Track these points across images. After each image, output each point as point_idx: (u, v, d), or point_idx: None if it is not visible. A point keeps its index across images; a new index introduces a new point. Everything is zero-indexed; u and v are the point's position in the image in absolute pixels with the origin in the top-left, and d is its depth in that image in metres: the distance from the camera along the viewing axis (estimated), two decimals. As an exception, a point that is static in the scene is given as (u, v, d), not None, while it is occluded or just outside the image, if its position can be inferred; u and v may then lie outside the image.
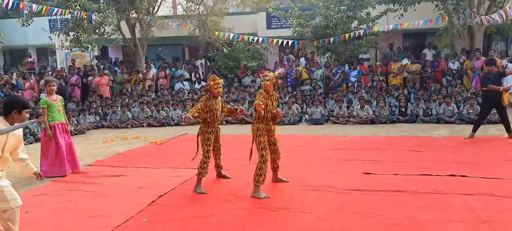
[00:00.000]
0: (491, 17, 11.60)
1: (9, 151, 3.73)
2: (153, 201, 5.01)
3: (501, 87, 7.69)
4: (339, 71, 13.36)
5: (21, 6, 12.64)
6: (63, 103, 6.79)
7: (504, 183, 5.14)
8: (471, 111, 9.96)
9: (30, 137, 9.91)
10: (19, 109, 3.73)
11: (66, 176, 6.42)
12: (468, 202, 4.56)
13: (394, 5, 13.55)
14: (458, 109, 10.41)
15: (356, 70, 13.29)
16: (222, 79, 5.60)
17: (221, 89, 5.56)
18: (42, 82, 12.01)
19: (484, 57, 11.72)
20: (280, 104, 11.91)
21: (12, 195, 3.56)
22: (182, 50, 19.76)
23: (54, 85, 6.60)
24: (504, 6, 12.24)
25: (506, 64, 12.02)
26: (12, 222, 3.57)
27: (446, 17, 12.83)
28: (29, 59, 19.26)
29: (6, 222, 3.57)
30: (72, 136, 7.43)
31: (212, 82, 5.46)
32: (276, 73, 14.20)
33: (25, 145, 9.60)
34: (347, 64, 13.66)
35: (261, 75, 5.37)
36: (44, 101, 6.51)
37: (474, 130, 8.07)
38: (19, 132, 3.82)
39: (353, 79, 13.18)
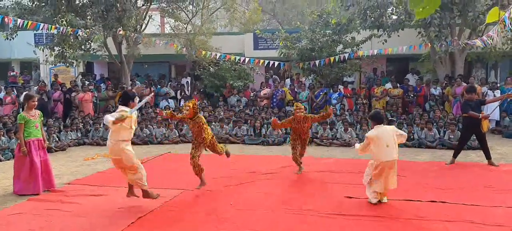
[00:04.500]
0: (484, 38, 11.78)
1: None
2: (132, 222, 4.92)
3: (480, 115, 7.86)
4: (321, 93, 13.52)
5: (6, 20, 12.50)
6: (42, 118, 6.65)
7: (483, 210, 5.21)
8: (452, 137, 10.13)
9: (8, 152, 9.68)
10: (132, 99, 5.55)
11: (39, 195, 6.24)
12: (448, 228, 4.61)
13: (378, 31, 13.84)
14: (439, 135, 10.57)
15: (337, 93, 13.45)
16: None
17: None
18: (23, 97, 11.81)
19: (465, 84, 12.02)
20: (265, 125, 11.93)
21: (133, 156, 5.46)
22: (169, 68, 19.73)
23: (35, 101, 6.49)
24: (485, 34, 12.60)
25: (486, 92, 12.33)
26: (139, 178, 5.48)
27: (429, 43, 13.16)
28: (11, 73, 18.94)
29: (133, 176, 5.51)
30: (51, 152, 7.29)
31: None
32: (262, 93, 14.29)
33: (2, 161, 9.34)
34: (329, 87, 13.84)
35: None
36: (22, 117, 6.38)
37: (455, 156, 8.19)
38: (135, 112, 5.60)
39: (334, 101, 13.34)
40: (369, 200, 5.60)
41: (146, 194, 5.55)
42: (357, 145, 5.98)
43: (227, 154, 6.98)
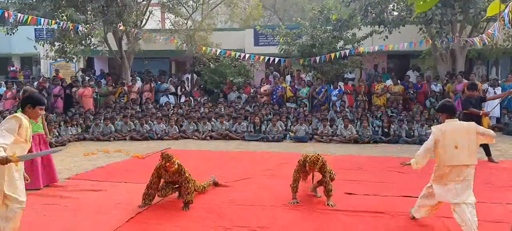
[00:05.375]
0: (483, 37, 11.73)
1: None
2: (131, 218, 4.92)
3: (481, 111, 7.84)
4: (322, 90, 13.49)
5: (6, 15, 12.49)
6: (43, 113, 6.62)
7: (482, 207, 5.19)
8: (453, 133, 10.09)
9: (8, 147, 9.67)
10: (33, 104, 4.20)
11: (40, 189, 6.24)
12: (447, 225, 4.60)
13: (379, 27, 13.80)
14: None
15: (337, 90, 13.43)
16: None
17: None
18: (21, 92, 11.81)
19: (466, 81, 11.99)
20: (265, 121, 11.92)
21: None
22: (169, 64, 19.71)
23: None
24: (486, 31, 12.56)
25: (487, 89, 12.31)
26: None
27: (430, 40, 13.11)
28: (11, 68, 18.94)
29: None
30: (52, 147, 7.27)
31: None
32: (262, 90, 14.27)
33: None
34: (330, 83, 13.84)
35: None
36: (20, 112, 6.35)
37: (455, 152, 8.16)
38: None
39: (334, 98, 13.33)
40: (411, 214, 4.75)
41: None
42: (413, 161, 4.70)
43: (216, 184, 6.30)
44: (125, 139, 11.65)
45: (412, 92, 13.33)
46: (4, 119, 11.85)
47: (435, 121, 10.95)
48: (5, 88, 14.13)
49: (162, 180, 5.47)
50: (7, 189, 3.80)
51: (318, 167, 5.31)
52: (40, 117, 6.52)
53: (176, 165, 5.25)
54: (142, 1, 15.67)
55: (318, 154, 5.39)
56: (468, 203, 4.32)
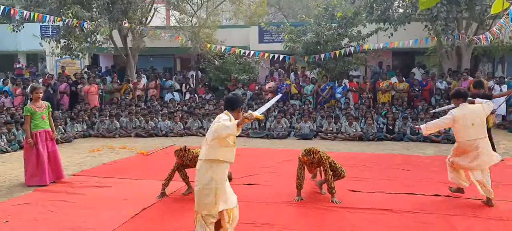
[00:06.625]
0: (488, 34, 11.64)
1: None
2: (136, 214, 4.95)
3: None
4: (327, 87, 13.48)
5: (12, 12, 12.55)
6: (50, 110, 6.68)
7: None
8: (458, 131, 10.05)
9: (14, 143, 9.77)
10: (232, 108, 4.02)
11: (47, 186, 6.30)
12: (452, 223, 4.59)
13: (384, 24, 13.74)
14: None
15: (341, 87, 13.40)
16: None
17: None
18: (29, 88, 11.89)
19: (471, 78, 11.93)
20: (269, 118, 11.93)
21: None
22: (174, 61, 19.75)
23: (40, 92, 6.53)
24: (492, 27, 12.48)
25: (493, 86, 12.24)
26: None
27: (435, 37, 13.05)
28: (17, 65, 19.05)
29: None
30: (57, 144, 7.32)
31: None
32: (267, 87, 14.28)
33: (8, 152, 9.38)
34: (334, 81, 13.82)
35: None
36: (28, 109, 6.42)
37: (460, 150, 8.15)
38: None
39: (338, 95, 13.31)
40: (456, 186, 5.54)
41: None
42: (423, 126, 5.50)
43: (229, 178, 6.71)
44: (130, 136, 11.70)
45: (417, 89, 13.28)
46: (11, 115, 11.91)
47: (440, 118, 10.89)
48: (13, 85, 14.21)
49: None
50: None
51: (314, 158, 5.38)
52: (47, 113, 6.59)
53: (191, 154, 5.75)
54: (147, -1, 15.71)
55: (313, 148, 5.49)
56: (483, 168, 5.18)
